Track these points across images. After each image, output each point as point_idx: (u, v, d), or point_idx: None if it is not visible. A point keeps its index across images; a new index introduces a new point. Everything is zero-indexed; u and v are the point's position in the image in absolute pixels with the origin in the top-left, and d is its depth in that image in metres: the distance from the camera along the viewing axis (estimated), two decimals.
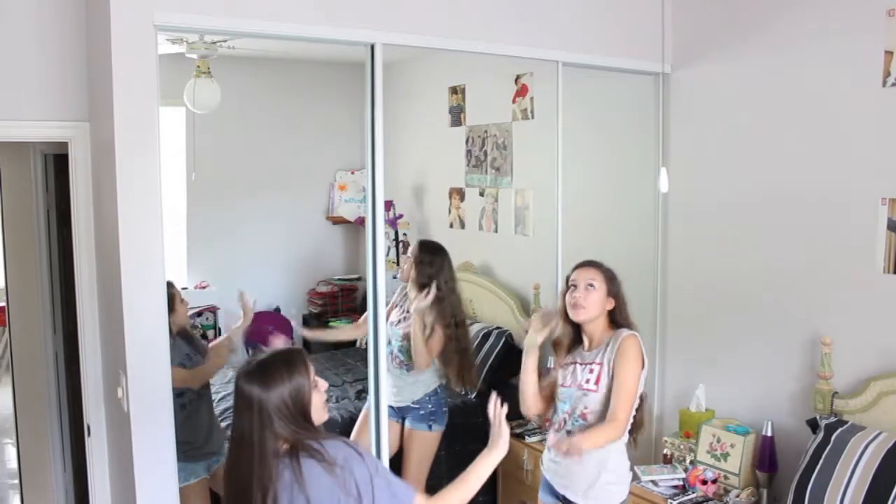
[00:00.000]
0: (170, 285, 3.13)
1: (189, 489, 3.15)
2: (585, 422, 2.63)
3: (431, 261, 3.53)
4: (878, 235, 2.89)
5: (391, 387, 3.47)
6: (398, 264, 5.29)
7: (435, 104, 5.11)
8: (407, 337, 3.49)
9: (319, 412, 1.96)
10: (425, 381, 3.53)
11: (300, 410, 1.87)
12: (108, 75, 2.48)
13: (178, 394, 3.12)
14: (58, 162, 3.79)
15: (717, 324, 3.55)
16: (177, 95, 4.42)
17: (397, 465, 3.51)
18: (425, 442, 3.53)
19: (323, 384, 1.98)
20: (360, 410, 3.82)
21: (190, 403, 3.19)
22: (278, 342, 2.15)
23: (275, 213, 5.57)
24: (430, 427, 3.53)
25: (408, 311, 3.55)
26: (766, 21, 3.28)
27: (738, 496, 3.09)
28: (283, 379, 1.86)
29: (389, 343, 3.54)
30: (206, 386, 3.34)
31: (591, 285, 2.68)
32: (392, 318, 3.63)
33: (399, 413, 3.56)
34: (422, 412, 3.52)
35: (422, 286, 3.47)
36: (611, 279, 2.72)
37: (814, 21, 3.10)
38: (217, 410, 3.68)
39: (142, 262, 2.54)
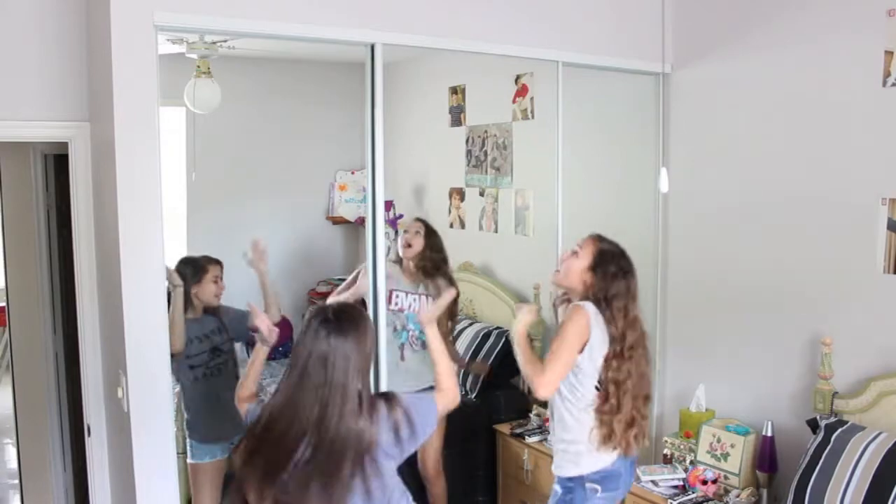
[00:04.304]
0: (206, 259, 3.23)
1: (200, 467, 3.19)
2: None
3: (440, 246, 3.50)
4: (878, 235, 2.89)
5: (410, 371, 3.50)
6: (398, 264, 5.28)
7: (435, 104, 5.10)
8: None
9: None
10: None
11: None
12: (108, 75, 2.48)
13: (190, 366, 3.14)
14: (58, 162, 3.79)
15: (717, 324, 3.55)
16: (177, 95, 4.41)
17: None
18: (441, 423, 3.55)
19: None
20: None
21: (205, 378, 3.18)
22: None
23: (275, 213, 5.56)
24: None
25: (423, 294, 3.55)
26: (766, 21, 3.28)
27: (738, 496, 3.09)
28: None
29: (405, 329, 3.56)
30: (234, 362, 3.31)
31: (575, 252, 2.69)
32: (401, 304, 3.60)
33: None
34: None
35: (426, 271, 3.42)
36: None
37: (814, 21, 3.10)
38: None
39: (142, 261, 2.54)
